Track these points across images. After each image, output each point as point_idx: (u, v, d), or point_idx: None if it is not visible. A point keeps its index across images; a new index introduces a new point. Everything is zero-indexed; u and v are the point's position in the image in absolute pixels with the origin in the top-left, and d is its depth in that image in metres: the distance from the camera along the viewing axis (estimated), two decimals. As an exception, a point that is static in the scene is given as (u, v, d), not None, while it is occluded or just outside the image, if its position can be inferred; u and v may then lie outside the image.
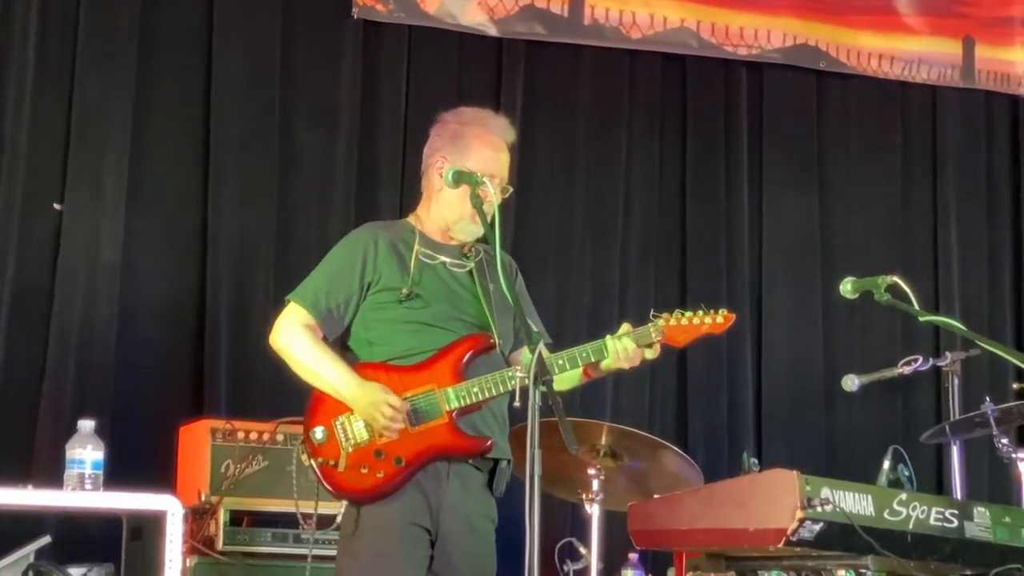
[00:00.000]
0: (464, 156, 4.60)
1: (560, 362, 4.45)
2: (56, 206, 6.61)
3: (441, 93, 7.19)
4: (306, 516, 5.11)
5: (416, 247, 4.63)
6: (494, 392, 4.48)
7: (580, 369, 4.59)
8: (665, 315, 4.56)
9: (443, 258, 4.66)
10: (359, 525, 4.50)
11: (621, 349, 4.49)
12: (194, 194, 6.82)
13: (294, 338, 4.57)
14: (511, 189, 4.70)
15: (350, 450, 4.50)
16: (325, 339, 4.60)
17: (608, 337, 4.52)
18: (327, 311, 4.58)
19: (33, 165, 6.59)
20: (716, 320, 4.59)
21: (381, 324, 4.61)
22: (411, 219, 4.75)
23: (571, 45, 7.45)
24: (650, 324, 4.53)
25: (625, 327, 4.55)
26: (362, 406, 4.44)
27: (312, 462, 4.53)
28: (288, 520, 5.40)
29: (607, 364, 4.53)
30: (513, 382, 4.42)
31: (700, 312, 4.57)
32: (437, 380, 4.52)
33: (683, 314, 4.56)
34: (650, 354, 4.55)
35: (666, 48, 7.58)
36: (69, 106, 6.66)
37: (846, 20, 7.83)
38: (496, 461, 4.62)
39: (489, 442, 4.52)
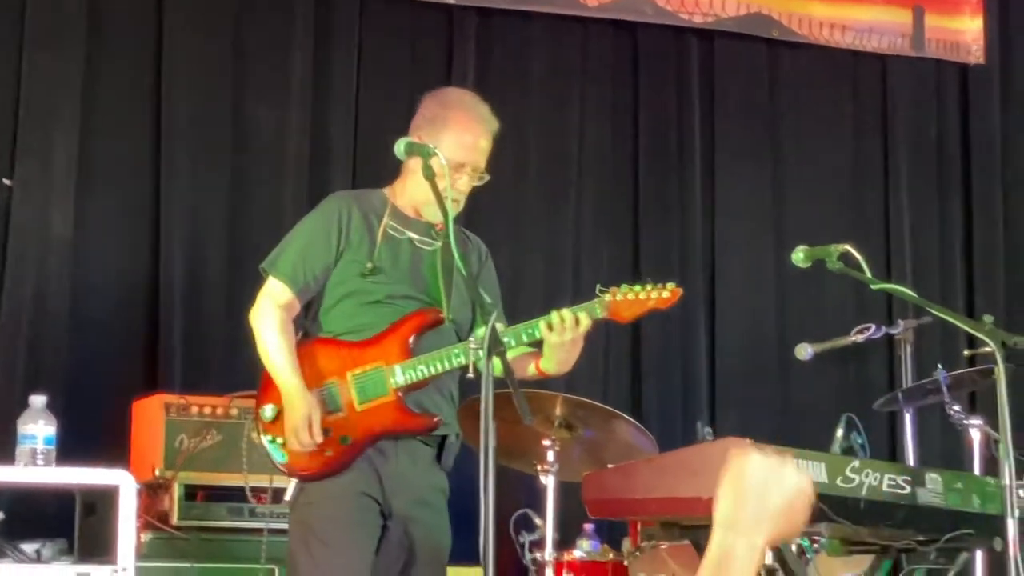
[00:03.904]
0: (438, 138, 4.57)
1: (506, 339, 4.43)
2: (5, 181, 6.58)
3: (393, 65, 7.19)
4: (257, 490, 5.12)
5: (385, 220, 4.63)
6: (440, 369, 4.49)
7: (533, 366, 4.60)
8: (612, 289, 4.54)
9: (411, 234, 4.66)
10: (310, 496, 4.52)
11: (559, 320, 4.47)
12: (146, 169, 6.79)
13: (268, 323, 4.60)
14: (487, 177, 4.67)
15: (296, 429, 4.53)
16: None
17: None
18: (304, 283, 4.62)
19: (-18, 141, 6.57)
20: (662, 295, 4.54)
21: (341, 295, 4.63)
22: (387, 191, 4.75)
23: (523, 14, 7.44)
24: (596, 300, 4.51)
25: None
26: (293, 410, 4.47)
27: (262, 439, 4.55)
28: (243, 495, 5.41)
29: (551, 340, 4.50)
30: (459, 358, 4.46)
31: (648, 287, 4.53)
32: (385, 357, 4.53)
33: (630, 288, 4.53)
34: (584, 325, 4.52)
35: (621, 15, 7.58)
36: (18, 81, 6.63)
37: (799, -11, 7.86)
38: (444, 436, 4.63)
39: (435, 419, 4.54)
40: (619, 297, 4.53)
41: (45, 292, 6.55)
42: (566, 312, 4.47)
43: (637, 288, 4.53)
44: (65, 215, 6.62)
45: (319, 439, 4.43)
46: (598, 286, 4.55)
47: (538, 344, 4.53)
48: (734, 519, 2.12)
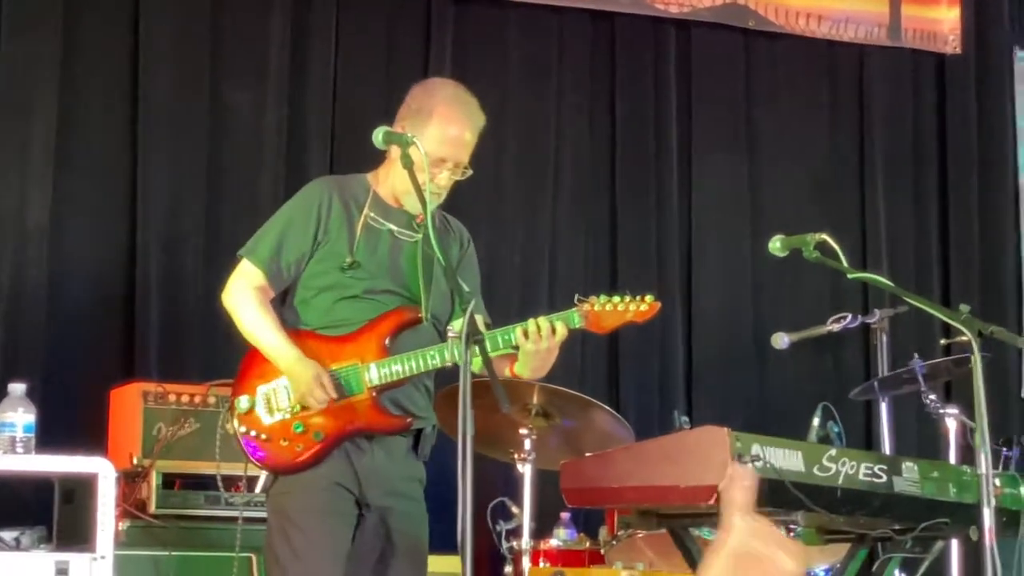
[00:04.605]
0: (423, 130, 4.55)
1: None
2: (-19, 169, 6.59)
3: (370, 52, 7.19)
4: (230, 479, 5.13)
5: (366, 210, 4.63)
6: (415, 370, 4.48)
7: (508, 369, 4.58)
8: (591, 299, 4.52)
9: (391, 225, 4.64)
10: (286, 486, 4.54)
11: (535, 327, 4.46)
12: (123, 156, 6.79)
13: (244, 301, 4.57)
14: (470, 171, 4.65)
15: (272, 421, 4.53)
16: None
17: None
18: (278, 271, 4.59)
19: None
20: (640, 308, 4.49)
21: (319, 289, 4.62)
22: (370, 177, 4.70)
23: (500, 3, 7.45)
24: (573, 309, 4.51)
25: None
26: (300, 379, 4.46)
27: (236, 430, 4.56)
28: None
29: (526, 348, 4.50)
30: (435, 360, 4.46)
31: (626, 298, 4.51)
32: (361, 355, 4.52)
33: (608, 299, 4.52)
34: (560, 334, 4.51)
35: (598, 5, 7.60)
36: (-9, 66, 6.63)
37: (774, -22, 7.88)
38: (420, 428, 4.65)
39: (408, 421, 4.54)
40: (597, 308, 4.50)
41: (23, 281, 6.55)
42: (543, 320, 4.45)
43: (616, 299, 4.50)
44: (42, 203, 6.61)
45: (334, 393, 4.44)
46: (576, 296, 4.52)
47: (515, 347, 4.54)
48: None
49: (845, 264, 4.90)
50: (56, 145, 6.67)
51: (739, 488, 2.06)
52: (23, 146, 6.63)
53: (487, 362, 4.11)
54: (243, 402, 4.56)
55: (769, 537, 2.02)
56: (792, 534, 5.52)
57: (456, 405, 4.02)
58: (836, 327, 6.14)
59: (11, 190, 6.58)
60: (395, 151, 4.51)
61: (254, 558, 5.47)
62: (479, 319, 4.28)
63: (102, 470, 4.75)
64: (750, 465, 4.37)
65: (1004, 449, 6.16)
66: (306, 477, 4.51)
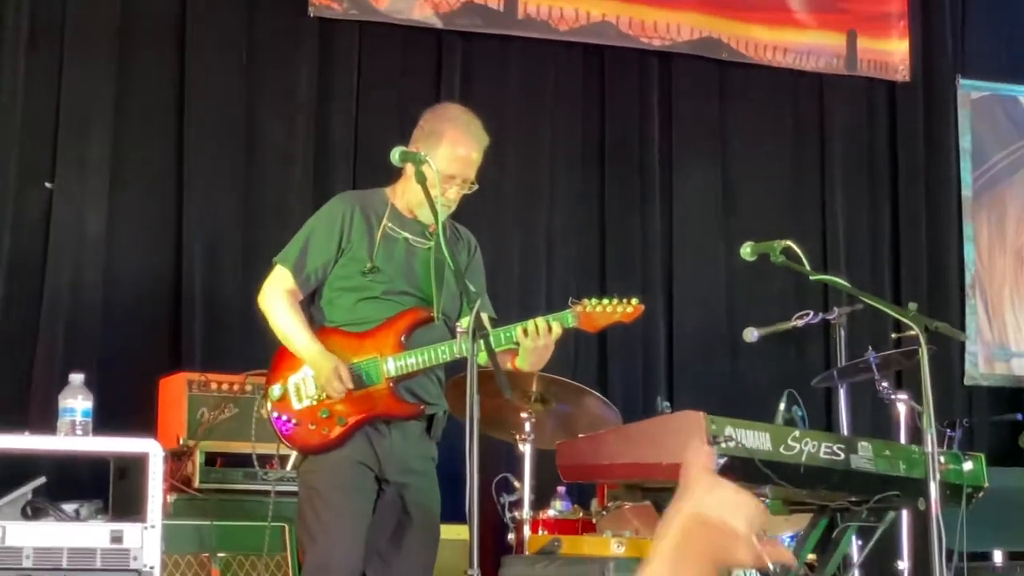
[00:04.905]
0: (434, 150, 4.55)
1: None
2: (47, 185, 6.58)
3: (388, 82, 7.19)
4: (265, 458, 5.15)
5: (385, 221, 4.63)
6: (427, 362, 4.51)
7: (509, 363, 4.57)
8: (583, 301, 4.53)
9: (406, 234, 4.65)
10: (313, 464, 4.55)
11: (533, 327, 4.47)
12: (170, 173, 6.79)
13: (276, 303, 4.61)
14: (476, 186, 4.66)
15: (300, 407, 4.55)
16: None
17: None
18: (306, 276, 4.62)
19: (27, 149, 6.56)
20: (627, 310, 4.51)
21: (343, 290, 4.63)
22: (388, 191, 4.71)
23: (502, 37, 7.44)
24: (568, 310, 4.52)
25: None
26: (322, 371, 4.48)
27: (269, 415, 4.57)
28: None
29: (526, 344, 4.50)
30: (444, 354, 4.48)
31: (614, 301, 4.52)
32: (380, 349, 4.54)
33: (599, 302, 4.52)
34: (556, 333, 4.50)
35: (589, 39, 7.58)
36: (58, 96, 6.62)
37: (745, 16, 7.85)
38: (433, 413, 4.65)
39: (421, 407, 4.56)
40: (589, 309, 4.50)
41: (81, 283, 6.55)
42: (540, 320, 4.46)
43: (605, 302, 4.51)
44: (99, 214, 6.62)
45: (350, 384, 4.45)
46: (570, 299, 4.54)
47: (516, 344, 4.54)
48: (682, 548, 1.85)
49: (807, 267, 4.91)
50: (111, 165, 6.67)
51: (697, 465, 1.97)
52: (82, 166, 6.63)
53: (491, 355, 4.13)
54: (276, 390, 4.58)
55: (723, 501, 1.92)
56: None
57: (464, 393, 4.05)
58: (800, 323, 6.14)
59: (72, 204, 6.58)
60: (410, 168, 4.53)
61: (286, 527, 5.49)
62: (484, 317, 4.28)
63: (152, 450, 4.75)
64: (712, 447, 4.38)
65: (948, 430, 6.16)
66: (332, 457, 4.53)
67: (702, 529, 1.89)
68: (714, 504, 1.90)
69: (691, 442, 4.23)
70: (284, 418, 4.58)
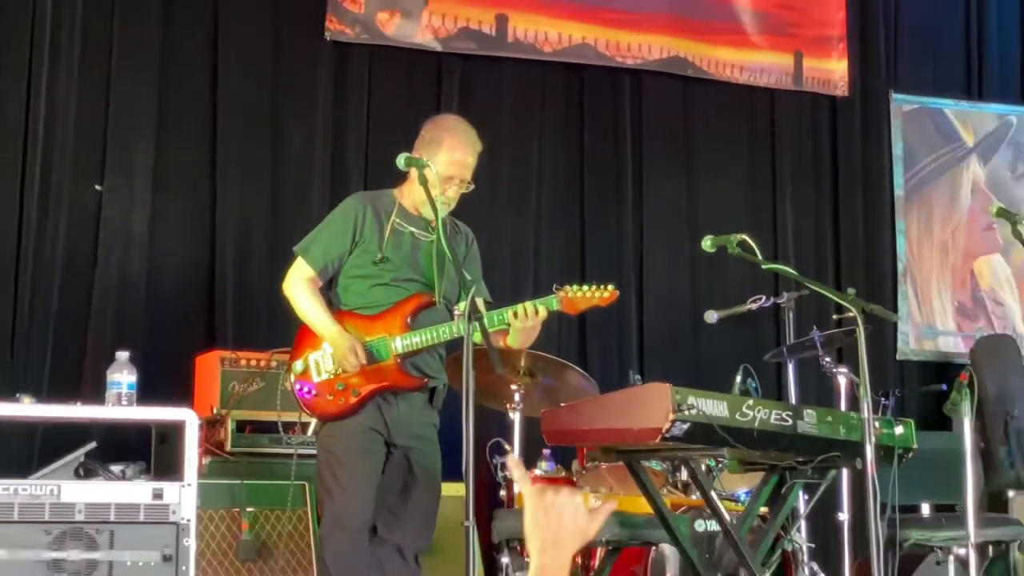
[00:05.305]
0: (434, 155, 4.56)
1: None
2: (97, 187, 6.56)
3: (395, 98, 7.17)
4: (290, 425, 5.14)
5: (393, 217, 4.63)
6: (431, 341, 4.52)
7: (501, 342, 4.57)
8: (566, 287, 4.52)
9: (412, 228, 4.65)
10: (331, 430, 4.54)
11: (522, 310, 4.46)
12: (205, 177, 6.77)
13: (299, 290, 4.62)
14: (472, 186, 4.66)
15: (319, 380, 4.54)
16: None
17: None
18: (324, 265, 4.63)
19: (80, 156, 6.54)
20: (604, 295, 4.51)
21: (357, 278, 4.64)
22: (396, 192, 4.73)
23: (495, 59, 7.42)
24: (552, 295, 4.50)
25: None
26: (339, 349, 4.47)
27: (292, 387, 4.57)
28: (280, 428, 5.41)
29: (516, 325, 4.49)
30: (445, 334, 4.50)
31: (593, 287, 4.52)
32: (389, 330, 4.54)
33: (580, 288, 4.51)
34: (542, 315, 4.49)
35: (571, 59, 7.56)
36: (106, 110, 6.61)
37: (707, 38, 7.83)
38: (435, 386, 4.65)
39: (424, 380, 4.56)
40: (571, 294, 4.50)
41: (128, 273, 6.53)
42: (528, 304, 4.47)
43: (585, 288, 4.51)
44: (142, 213, 6.60)
45: (364, 360, 4.44)
46: (555, 285, 4.54)
47: (507, 325, 4.53)
48: (542, 542, 2.10)
49: (760, 258, 4.90)
50: (153, 171, 6.65)
51: (523, 481, 2.19)
52: (128, 171, 6.61)
53: (485, 335, 4.13)
54: (298, 365, 4.58)
55: (552, 500, 2.12)
56: (720, 465, 5.53)
57: (461, 368, 4.03)
58: (753, 306, 6.14)
59: (120, 205, 6.57)
60: (414, 172, 4.54)
61: (306, 485, 5.48)
62: (480, 301, 4.30)
63: (189, 418, 4.74)
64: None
65: (882, 399, 6.14)
66: (347, 423, 4.53)
67: (553, 522, 2.10)
68: (549, 501, 2.11)
69: (669, 411, 4.22)
70: (305, 390, 4.57)
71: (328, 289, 4.70)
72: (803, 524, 5.86)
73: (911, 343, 8.08)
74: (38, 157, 6.40)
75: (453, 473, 4.50)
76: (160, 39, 6.74)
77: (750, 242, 4.87)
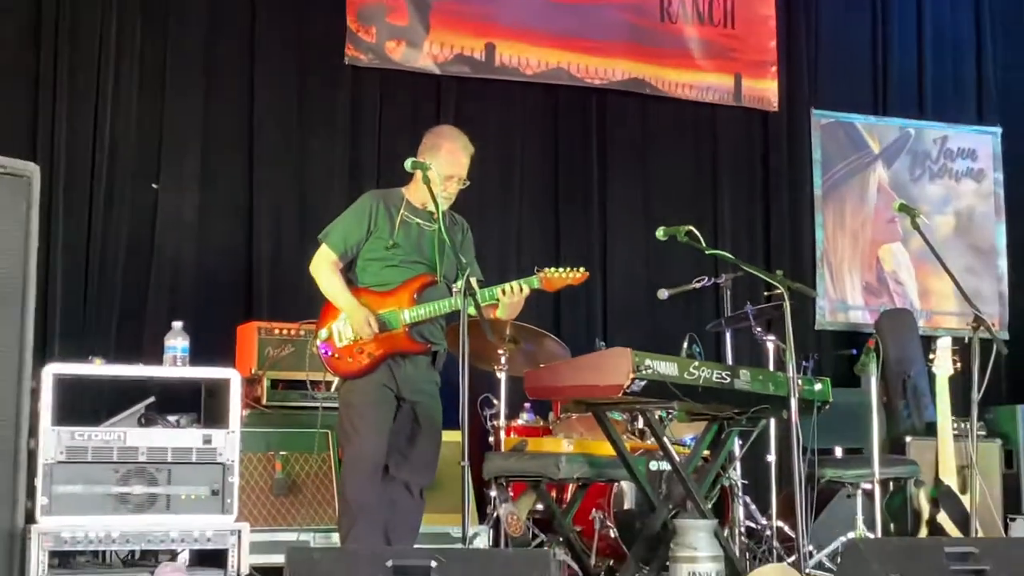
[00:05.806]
0: (435, 158, 4.59)
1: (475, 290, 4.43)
2: (154, 185, 6.56)
3: (401, 115, 7.15)
4: (315, 383, 5.16)
5: (402, 210, 4.65)
6: (434, 313, 4.55)
7: (491, 314, 4.59)
8: (545, 270, 4.55)
9: (418, 220, 4.68)
10: (350, 387, 4.56)
11: (509, 288, 4.49)
12: (243, 177, 6.77)
13: (323, 271, 4.64)
14: (468, 183, 4.70)
15: (340, 345, 4.56)
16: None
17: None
18: (344, 251, 4.64)
19: (140, 160, 6.54)
20: (576, 276, 4.54)
21: (371, 260, 4.65)
22: (404, 190, 4.75)
23: (484, 80, 7.41)
24: (533, 276, 4.54)
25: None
26: (356, 320, 4.49)
27: (318, 351, 4.59)
28: (306, 385, 5.41)
29: (503, 300, 4.51)
30: (445, 308, 4.52)
31: (568, 269, 4.54)
32: (398, 303, 4.57)
33: (556, 270, 4.54)
34: (525, 292, 4.52)
35: (548, 80, 7.55)
36: (161, 121, 6.61)
37: (662, 62, 7.82)
38: (436, 351, 4.67)
39: (428, 346, 4.58)
40: (549, 275, 4.53)
41: (181, 258, 6.53)
42: (514, 283, 4.51)
43: (561, 270, 4.54)
44: (192, 207, 6.60)
45: (377, 329, 4.46)
46: (535, 267, 4.57)
47: (496, 300, 4.56)
48: None
49: (704, 245, 4.94)
50: (201, 170, 6.65)
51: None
52: (180, 172, 6.61)
53: (478, 309, 4.15)
54: (323, 333, 4.60)
55: None
56: (670, 415, 5.57)
57: (459, 336, 4.06)
58: (698, 285, 6.19)
59: (173, 199, 6.57)
60: (418, 173, 4.55)
61: (329, 433, 5.51)
62: (474, 281, 4.32)
63: (232, 377, 4.76)
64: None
65: (804, 362, 6.21)
66: (363, 381, 4.55)
67: None
68: None
69: (628, 372, 4.22)
70: (329, 353, 4.60)
71: (348, 270, 4.72)
72: (738, 464, 5.92)
73: (827, 316, 8.13)
74: (104, 160, 6.40)
75: (451, 422, 4.54)
76: (203, 61, 6.74)
77: (696, 232, 4.91)
